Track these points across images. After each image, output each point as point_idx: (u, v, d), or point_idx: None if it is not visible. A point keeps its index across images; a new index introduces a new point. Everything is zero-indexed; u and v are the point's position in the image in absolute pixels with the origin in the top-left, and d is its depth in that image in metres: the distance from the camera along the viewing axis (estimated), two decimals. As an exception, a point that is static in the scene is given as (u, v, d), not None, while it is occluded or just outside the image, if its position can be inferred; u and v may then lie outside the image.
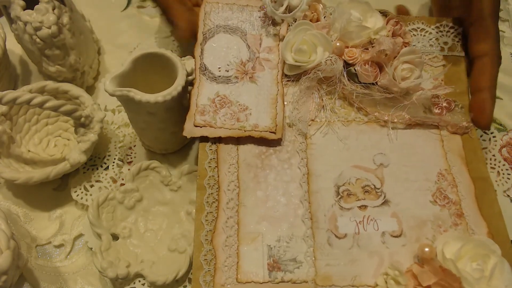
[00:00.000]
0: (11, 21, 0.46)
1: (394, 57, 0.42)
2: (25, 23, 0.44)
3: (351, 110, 0.44)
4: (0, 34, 0.50)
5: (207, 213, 0.39)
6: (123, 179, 0.47)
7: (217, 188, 0.40)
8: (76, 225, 0.46)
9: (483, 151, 0.44)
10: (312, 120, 0.43)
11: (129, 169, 0.45)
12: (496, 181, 0.49)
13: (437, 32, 0.48)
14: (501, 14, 0.59)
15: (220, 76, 0.43)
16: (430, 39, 0.48)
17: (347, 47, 0.43)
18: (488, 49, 0.43)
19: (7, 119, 0.47)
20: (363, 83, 0.43)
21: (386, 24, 0.44)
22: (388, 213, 0.40)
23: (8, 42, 0.51)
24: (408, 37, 0.46)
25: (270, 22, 0.46)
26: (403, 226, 0.39)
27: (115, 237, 0.43)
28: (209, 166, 0.40)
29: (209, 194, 0.39)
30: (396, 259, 0.38)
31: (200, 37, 0.45)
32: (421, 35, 0.48)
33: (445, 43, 0.48)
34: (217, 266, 0.37)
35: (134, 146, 0.50)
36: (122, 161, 0.49)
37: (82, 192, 0.46)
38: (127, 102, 0.41)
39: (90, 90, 0.54)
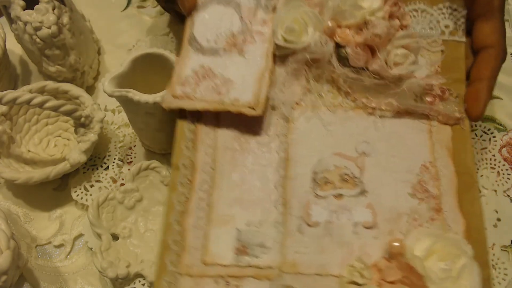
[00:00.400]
0: (11, 21, 0.47)
1: (389, 41, 0.41)
2: (25, 23, 0.45)
3: (339, 95, 0.43)
4: (0, 34, 0.50)
5: (180, 193, 0.39)
6: (123, 179, 0.48)
7: (192, 169, 0.40)
8: (76, 225, 0.47)
9: (473, 145, 0.43)
10: (297, 103, 0.42)
11: (129, 169, 0.46)
12: (496, 181, 0.49)
13: (439, 14, 0.46)
14: (501, 14, 0.58)
15: (207, 48, 0.43)
16: (431, 21, 0.46)
17: (340, 27, 0.42)
18: (495, 42, 0.43)
19: (7, 119, 0.48)
20: (354, 67, 0.42)
21: (384, 5, 0.42)
22: (363, 203, 0.39)
23: (8, 42, 0.52)
24: (407, 19, 0.44)
25: None
26: (377, 218, 0.39)
27: (115, 237, 0.44)
28: (186, 147, 0.40)
29: (183, 175, 0.39)
30: (366, 251, 0.38)
31: None
32: (421, 16, 0.46)
33: (447, 26, 0.46)
34: (185, 247, 0.37)
35: (134, 146, 0.50)
36: (122, 161, 0.49)
37: (82, 192, 0.47)
38: (126, 103, 0.41)
39: (90, 90, 0.55)
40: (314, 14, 0.41)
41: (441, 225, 0.39)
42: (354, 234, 0.38)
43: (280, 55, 0.43)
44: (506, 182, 0.50)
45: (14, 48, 0.58)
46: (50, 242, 0.48)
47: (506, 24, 0.59)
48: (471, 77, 0.44)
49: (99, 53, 0.59)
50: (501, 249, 0.47)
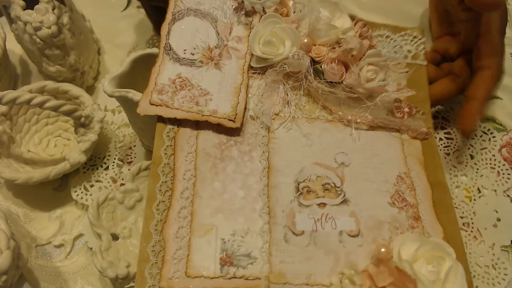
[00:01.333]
0: (11, 21, 0.47)
1: (360, 58, 0.45)
2: (25, 23, 0.45)
3: (316, 108, 0.45)
4: (0, 34, 0.50)
5: (159, 202, 0.38)
6: (123, 179, 0.48)
7: (171, 176, 0.39)
8: (76, 225, 0.47)
9: (440, 157, 0.47)
10: (276, 114, 0.44)
11: (129, 169, 0.46)
12: (496, 181, 0.49)
13: (401, 40, 0.51)
14: (501, 14, 0.59)
15: (184, 58, 0.43)
16: (395, 46, 0.51)
17: (315, 45, 0.45)
18: (493, 64, 0.46)
19: (7, 119, 0.48)
20: (329, 81, 0.45)
21: (354, 26, 0.47)
22: (346, 212, 0.41)
23: (8, 42, 0.52)
24: (374, 41, 0.49)
25: (243, 12, 0.46)
26: (360, 226, 0.40)
27: (115, 237, 0.44)
28: (165, 153, 0.40)
29: (162, 182, 0.39)
30: (352, 259, 0.39)
31: (169, 16, 0.45)
32: (386, 41, 0.51)
33: (409, 51, 0.51)
34: (165, 258, 0.36)
35: (134, 146, 0.50)
36: (122, 161, 0.49)
37: (82, 192, 0.47)
38: (126, 103, 0.42)
39: (90, 90, 0.55)
40: (292, 30, 0.44)
41: (421, 232, 0.41)
42: (339, 242, 0.39)
43: (258, 67, 0.44)
44: (506, 182, 0.50)
45: (14, 48, 0.58)
46: (50, 242, 0.48)
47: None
48: (467, 95, 0.46)
49: (99, 53, 0.60)
50: (501, 249, 0.47)
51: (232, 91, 0.42)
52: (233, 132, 0.41)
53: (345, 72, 0.44)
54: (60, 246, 0.48)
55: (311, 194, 0.41)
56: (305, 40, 0.44)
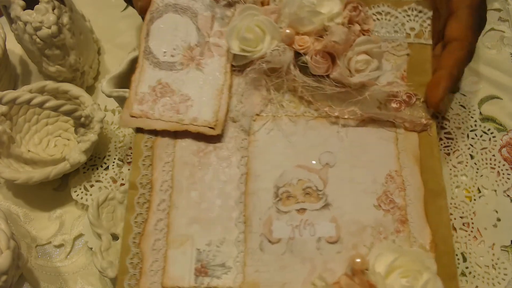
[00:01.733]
0: (11, 21, 0.47)
1: (349, 47, 0.40)
2: (25, 23, 0.45)
3: (301, 104, 0.42)
4: (0, 34, 0.50)
5: (137, 214, 0.38)
6: (123, 179, 0.48)
7: (149, 188, 0.39)
8: (76, 225, 0.47)
9: (440, 151, 0.43)
10: (258, 114, 0.42)
11: (129, 169, 0.45)
12: (496, 181, 0.49)
13: (404, 16, 0.45)
14: (501, 14, 0.59)
15: (164, 62, 0.42)
16: (396, 24, 0.45)
17: (298, 34, 0.41)
18: (461, 35, 0.42)
19: (7, 119, 0.48)
20: (315, 75, 0.41)
21: (344, 9, 0.41)
22: (327, 217, 0.39)
23: (8, 42, 0.52)
24: (370, 22, 0.43)
25: (224, 3, 0.43)
26: (341, 232, 0.39)
27: (115, 237, 0.44)
28: (143, 164, 0.40)
29: (140, 194, 0.39)
30: (330, 266, 0.38)
31: (147, 16, 0.43)
32: (385, 19, 0.45)
33: (412, 28, 0.45)
34: (143, 270, 0.37)
35: (134, 146, 0.50)
36: (122, 161, 0.49)
37: (82, 192, 0.47)
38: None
39: (90, 90, 0.55)
40: (270, 22, 0.40)
41: (406, 237, 0.39)
42: (316, 250, 0.38)
43: (238, 65, 0.42)
44: (506, 182, 0.50)
45: (14, 48, 0.58)
46: (50, 242, 0.48)
47: (506, 24, 0.59)
48: (435, 67, 0.43)
49: (99, 53, 0.59)
50: (501, 249, 0.47)
51: (214, 94, 0.41)
52: (212, 137, 0.40)
53: (331, 64, 0.41)
54: (60, 246, 0.48)
55: (290, 199, 0.39)
56: (287, 31, 0.40)
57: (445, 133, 0.53)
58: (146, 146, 0.40)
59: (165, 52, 0.42)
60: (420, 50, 0.44)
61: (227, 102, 0.41)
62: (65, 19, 0.49)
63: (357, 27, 0.41)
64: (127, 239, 0.37)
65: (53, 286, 0.46)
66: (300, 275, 0.37)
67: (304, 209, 0.39)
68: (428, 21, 0.45)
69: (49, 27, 0.47)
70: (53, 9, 0.48)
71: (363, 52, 0.41)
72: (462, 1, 0.43)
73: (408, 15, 0.45)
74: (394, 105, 0.42)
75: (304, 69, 0.41)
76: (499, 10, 0.60)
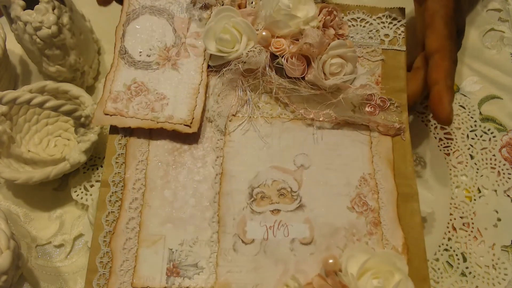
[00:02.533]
0: (11, 21, 0.47)
1: (325, 50, 0.42)
2: (25, 23, 0.45)
3: (277, 106, 0.43)
4: (0, 34, 0.50)
5: (109, 212, 0.39)
6: (123, 179, 0.47)
7: (122, 186, 0.39)
8: (76, 225, 0.47)
9: (412, 155, 0.43)
10: (234, 115, 0.42)
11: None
12: (496, 181, 0.49)
13: (378, 23, 0.46)
14: (501, 14, 0.59)
15: (140, 61, 0.43)
16: (370, 31, 0.46)
17: (274, 37, 0.42)
18: (439, 46, 0.44)
19: (7, 119, 0.48)
20: (291, 77, 0.42)
21: (319, 14, 0.43)
22: (301, 218, 0.40)
23: (8, 42, 0.53)
24: (345, 28, 0.45)
25: (201, 5, 0.44)
26: (314, 233, 0.39)
27: (115, 237, 0.43)
28: (116, 162, 0.40)
29: (112, 193, 0.39)
30: (302, 268, 0.38)
31: (123, 17, 0.45)
32: (360, 25, 0.46)
33: (386, 35, 0.46)
34: (112, 270, 0.37)
35: (134, 146, 0.50)
36: (122, 161, 0.48)
37: (82, 192, 0.47)
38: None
39: (90, 90, 0.56)
40: (246, 24, 0.41)
41: (379, 239, 0.40)
42: (290, 250, 0.39)
43: (215, 65, 0.43)
44: (507, 182, 0.50)
45: (14, 48, 0.58)
46: (50, 242, 0.49)
47: (506, 24, 0.59)
48: (428, 85, 0.44)
49: (99, 53, 0.60)
50: (501, 249, 0.47)
51: (189, 93, 0.41)
52: (188, 136, 0.41)
53: (307, 67, 0.42)
54: (60, 246, 0.49)
55: (265, 200, 0.40)
56: (263, 33, 0.41)
57: (445, 133, 0.53)
58: (120, 144, 0.40)
59: (140, 52, 0.43)
60: (394, 56, 0.46)
61: (203, 101, 0.41)
62: (65, 19, 0.49)
63: (331, 31, 0.43)
64: (97, 238, 0.38)
65: (53, 286, 0.46)
66: (273, 276, 0.38)
67: (278, 210, 0.40)
68: (402, 29, 0.46)
69: (49, 27, 0.47)
70: (53, 9, 0.48)
71: (337, 56, 0.42)
72: (435, 12, 0.44)
73: (383, 22, 0.46)
74: (368, 109, 0.44)
75: (281, 71, 0.42)
76: (499, 10, 0.60)
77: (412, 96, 0.46)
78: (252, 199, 0.40)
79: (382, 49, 0.46)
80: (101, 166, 0.52)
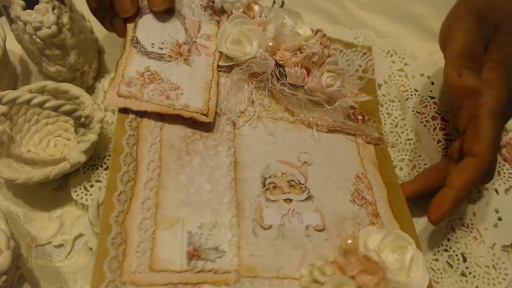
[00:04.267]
0: (11, 21, 0.48)
1: (321, 65, 0.48)
2: (25, 23, 0.45)
3: (279, 109, 0.48)
4: (0, 34, 0.50)
5: (120, 192, 0.37)
6: (123, 179, 0.47)
7: (134, 166, 0.39)
8: (76, 225, 0.48)
9: (392, 161, 0.51)
10: (242, 112, 0.45)
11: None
12: (496, 180, 0.49)
13: (353, 55, 0.56)
14: (501, 14, 0.58)
15: (152, 52, 0.44)
16: (348, 60, 0.56)
17: (279, 49, 0.48)
18: (479, 152, 0.41)
19: (7, 119, 0.49)
20: (292, 84, 0.47)
21: (315, 35, 0.51)
22: (312, 207, 0.42)
23: (8, 42, 0.53)
24: (332, 51, 0.53)
25: (211, 11, 0.48)
26: (325, 221, 0.42)
27: (115, 237, 0.43)
28: (127, 143, 0.40)
29: (124, 172, 0.38)
30: (320, 252, 0.40)
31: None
32: (340, 55, 0.57)
33: (360, 65, 0.57)
34: (127, 251, 0.35)
35: (134, 146, 0.50)
36: (122, 161, 0.48)
37: (82, 192, 0.48)
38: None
39: (90, 90, 0.56)
40: (259, 31, 0.46)
41: (380, 228, 0.43)
42: (306, 236, 0.40)
43: (225, 65, 0.46)
44: (508, 181, 0.50)
45: (14, 48, 0.59)
46: (50, 242, 0.49)
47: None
48: (446, 181, 0.43)
49: (99, 53, 0.60)
50: (502, 249, 0.47)
51: (202, 87, 0.43)
52: (199, 126, 0.42)
53: (307, 76, 0.47)
54: (60, 246, 0.49)
55: (277, 189, 0.42)
56: (270, 43, 0.47)
57: (444, 134, 0.53)
58: (131, 125, 0.40)
59: (153, 44, 0.44)
60: (367, 83, 0.56)
61: (216, 95, 0.43)
62: (65, 19, 0.50)
63: (326, 51, 0.49)
64: (108, 217, 0.35)
65: (53, 286, 0.46)
66: (293, 259, 0.39)
67: (290, 199, 0.42)
68: (371, 62, 0.57)
69: (49, 27, 0.47)
70: (53, 9, 0.48)
71: (330, 71, 0.49)
72: (486, 106, 0.41)
73: (356, 55, 0.57)
74: (355, 118, 0.50)
75: (283, 78, 0.47)
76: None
77: (422, 185, 0.47)
78: (266, 188, 0.41)
79: (358, 75, 0.55)
80: (101, 166, 0.52)
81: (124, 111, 0.41)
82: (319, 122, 0.47)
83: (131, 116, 0.40)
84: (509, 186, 0.51)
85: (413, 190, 0.48)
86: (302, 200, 0.42)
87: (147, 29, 0.44)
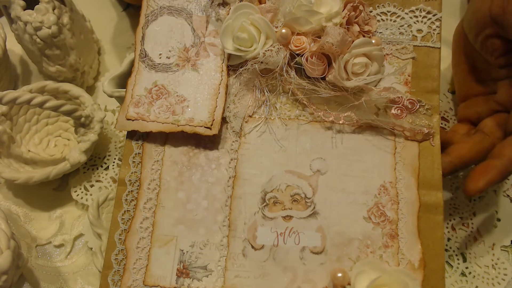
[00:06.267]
0: (11, 21, 0.47)
1: (347, 49, 0.38)
2: (25, 23, 0.45)
3: (295, 107, 0.41)
4: (0, 34, 0.51)
5: (125, 211, 0.39)
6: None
7: (138, 185, 0.40)
8: (76, 225, 0.47)
9: (441, 164, 0.40)
10: (250, 116, 0.41)
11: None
12: (496, 180, 0.48)
13: (411, 18, 0.42)
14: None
15: (160, 64, 0.42)
16: (402, 26, 0.42)
17: (294, 34, 0.39)
18: None
19: (7, 119, 0.48)
20: (311, 77, 0.40)
21: (343, 9, 0.39)
22: (313, 226, 0.39)
23: (8, 42, 0.53)
24: (372, 23, 0.41)
25: (218, 2, 0.43)
26: (326, 243, 0.38)
27: (115, 237, 0.43)
28: (133, 161, 0.40)
29: (129, 192, 0.39)
30: (311, 277, 0.38)
31: (142, 20, 0.44)
32: (390, 20, 0.42)
33: (419, 30, 0.42)
34: (126, 267, 0.38)
35: (134, 146, 0.50)
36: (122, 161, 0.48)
37: (82, 192, 0.47)
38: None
39: (90, 90, 0.56)
40: (264, 21, 0.39)
41: (395, 252, 0.38)
42: (299, 259, 0.38)
43: (232, 64, 0.42)
44: (508, 180, 0.50)
45: (14, 48, 0.58)
46: (50, 242, 0.49)
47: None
48: (492, 152, 0.40)
49: (99, 53, 0.60)
50: (501, 249, 0.47)
51: (210, 94, 0.41)
52: (204, 137, 0.40)
53: (327, 66, 0.39)
54: (60, 246, 0.49)
55: (277, 205, 0.39)
56: (283, 31, 0.39)
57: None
58: (137, 144, 0.40)
59: (160, 54, 0.42)
60: (427, 54, 0.42)
61: (223, 102, 0.40)
62: (65, 19, 0.49)
63: (356, 28, 0.40)
64: (113, 235, 0.38)
65: (53, 286, 0.46)
66: (280, 284, 0.37)
67: (290, 216, 0.39)
68: (437, 23, 0.42)
69: (49, 27, 0.47)
70: (53, 9, 0.48)
71: (362, 55, 0.39)
72: None
73: (416, 16, 0.42)
74: (394, 111, 0.40)
75: (300, 70, 0.40)
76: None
77: (458, 159, 0.41)
78: (265, 203, 0.39)
79: (414, 46, 0.42)
80: (101, 166, 0.52)
81: (132, 131, 0.41)
82: (341, 121, 0.40)
83: (138, 134, 0.40)
84: (508, 187, 0.51)
85: (449, 165, 0.41)
86: (304, 218, 0.39)
87: (155, 38, 0.43)
